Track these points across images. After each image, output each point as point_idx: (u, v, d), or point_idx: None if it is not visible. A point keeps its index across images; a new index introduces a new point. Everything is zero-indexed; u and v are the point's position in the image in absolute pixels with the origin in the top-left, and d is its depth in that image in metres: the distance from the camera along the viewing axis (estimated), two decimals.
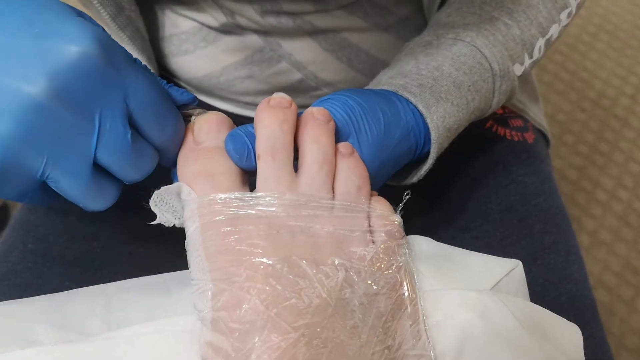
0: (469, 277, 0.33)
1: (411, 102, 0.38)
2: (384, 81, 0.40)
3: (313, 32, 0.50)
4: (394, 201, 0.33)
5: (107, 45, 0.28)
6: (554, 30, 0.46)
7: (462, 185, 0.54)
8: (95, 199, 0.30)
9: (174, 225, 0.31)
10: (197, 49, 0.51)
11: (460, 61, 0.41)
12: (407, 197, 0.34)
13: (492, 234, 0.50)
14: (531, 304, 0.34)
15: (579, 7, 0.47)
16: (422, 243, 0.35)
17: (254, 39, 0.50)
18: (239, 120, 0.57)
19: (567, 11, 0.46)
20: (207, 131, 0.32)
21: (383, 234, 0.31)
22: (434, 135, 0.38)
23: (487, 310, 0.30)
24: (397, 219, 0.32)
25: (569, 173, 1.15)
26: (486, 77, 0.41)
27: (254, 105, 0.55)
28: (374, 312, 0.28)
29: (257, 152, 0.30)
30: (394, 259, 0.30)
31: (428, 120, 0.38)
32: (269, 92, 0.53)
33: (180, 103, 0.34)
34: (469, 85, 0.40)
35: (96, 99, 0.28)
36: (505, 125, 0.56)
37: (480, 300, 0.31)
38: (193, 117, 0.33)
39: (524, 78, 0.60)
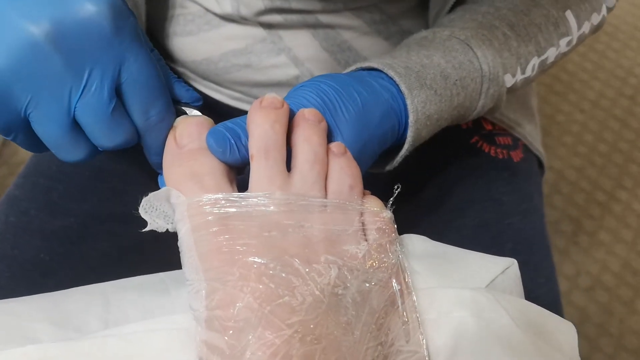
0: (464, 275, 0.33)
1: (394, 81, 0.38)
2: (373, 60, 0.40)
3: (315, 27, 0.50)
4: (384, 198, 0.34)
5: (119, 12, 0.29)
6: (550, 54, 0.46)
7: (439, 198, 0.54)
8: (67, 151, 0.32)
9: (167, 230, 0.31)
10: (200, 32, 0.52)
11: (451, 55, 0.41)
12: (398, 190, 0.34)
13: (463, 248, 0.50)
14: (526, 302, 0.34)
15: (580, 39, 0.48)
16: (418, 242, 0.35)
17: (256, 30, 0.51)
18: (230, 112, 0.57)
19: (567, 39, 0.47)
20: (188, 134, 0.32)
21: (374, 231, 0.31)
22: (412, 117, 0.38)
23: (481, 308, 0.31)
24: (387, 214, 0.32)
25: (568, 174, 1.15)
26: (474, 76, 0.42)
27: (246, 97, 0.56)
28: (367, 308, 0.29)
29: (250, 152, 0.31)
30: (385, 257, 0.30)
31: (408, 102, 0.38)
32: (265, 84, 0.53)
33: (183, 100, 0.35)
34: (456, 80, 0.41)
35: (90, 59, 0.29)
36: (492, 142, 0.57)
37: (474, 298, 0.31)
38: (175, 122, 0.33)
39: (523, 102, 0.60)
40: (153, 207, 0.31)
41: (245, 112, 0.58)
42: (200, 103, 0.36)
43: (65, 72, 0.29)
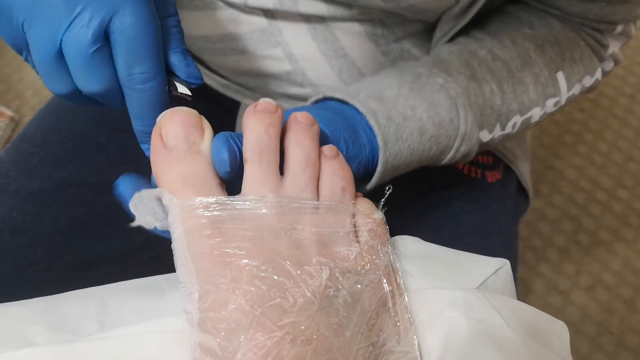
0: (456, 276, 0.34)
1: (374, 130, 0.40)
2: (362, 98, 0.41)
3: (316, 29, 0.50)
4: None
5: None
6: (534, 113, 0.47)
7: (400, 212, 0.54)
8: (52, 79, 0.33)
9: (155, 227, 0.32)
10: (207, 9, 0.52)
11: (435, 111, 0.42)
12: (389, 191, 0.34)
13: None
14: (517, 302, 0.34)
15: (569, 100, 0.49)
16: (410, 243, 0.35)
17: (259, 19, 0.51)
18: (216, 97, 0.58)
19: (554, 100, 0.47)
20: (174, 135, 0.31)
21: (366, 233, 0.32)
22: (380, 168, 0.40)
23: (471, 309, 0.31)
24: (379, 216, 0.33)
25: (568, 173, 1.16)
26: (450, 134, 0.43)
27: (234, 85, 0.56)
28: (359, 310, 0.29)
29: (245, 155, 0.31)
30: (377, 258, 0.31)
31: (380, 154, 0.40)
32: (255, 74, 0.54)
33: (178, 72, 0.35)
34: (432, 136, 0.42)
35: None
36: None
37: (466, 299, 0.31)
38: (159, 117, 0.32)
39: (520, 139, 0.60)
40: (143, 204, 0.31)
41: (231, 99, 0.59)
42: (198, 82, 0.36)
43: (58, 4, 0.31)
